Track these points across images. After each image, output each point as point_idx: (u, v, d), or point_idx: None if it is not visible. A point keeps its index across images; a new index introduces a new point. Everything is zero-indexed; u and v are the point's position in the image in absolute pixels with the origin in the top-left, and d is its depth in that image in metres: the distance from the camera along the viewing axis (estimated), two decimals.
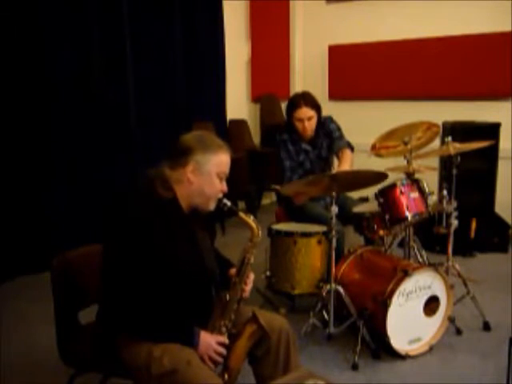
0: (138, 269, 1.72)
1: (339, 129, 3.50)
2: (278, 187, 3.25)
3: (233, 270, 1.99)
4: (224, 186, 1.90)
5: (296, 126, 3.37)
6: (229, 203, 1.91)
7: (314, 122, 3.37)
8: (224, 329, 1.86)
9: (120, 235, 1.77)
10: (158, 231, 1.75)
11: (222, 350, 1.81)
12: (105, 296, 1.81)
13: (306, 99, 3.37)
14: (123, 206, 1.85)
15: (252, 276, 1.99)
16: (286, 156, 3.41)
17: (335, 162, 3.53)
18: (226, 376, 1.81)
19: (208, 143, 1.87)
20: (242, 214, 1.93)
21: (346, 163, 3.28)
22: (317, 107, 3.38)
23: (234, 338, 1.85)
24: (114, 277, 1.75)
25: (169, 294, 1.79)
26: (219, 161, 1.86)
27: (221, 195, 1.90)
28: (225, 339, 1.84)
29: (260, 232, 1.94)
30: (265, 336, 1.84)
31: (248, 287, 1.97)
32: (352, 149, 3.45)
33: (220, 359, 1.81)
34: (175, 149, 1.88)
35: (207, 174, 1.84)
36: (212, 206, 1.90)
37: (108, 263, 1.79)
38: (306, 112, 3.33)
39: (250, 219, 1.94)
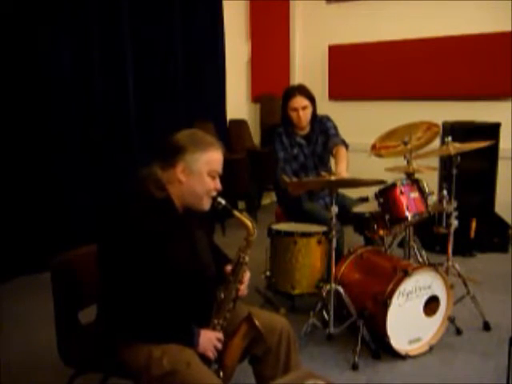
0: (135, 270, 1.71)
1: (335, 127, 3.53)
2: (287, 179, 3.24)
3: (228, 268, 1.97)
4: (217, 184, 1.87)
5: (291, 116, 3.40)
6: (223, 202, 1.88)
7: (308, 112, 3.39)
8: (219, 327, 1.86)
9: (115, 236, 1.75)
10: (154, 232, 1.73)
11: (220, 346, 1.82)
12: (103, 299, 1.81)
13: (301, 89, 3.42)
14: (117, 207, 1.83)
15: (248, 275, 1.96)
16: (280, 147, 3.44)
17: (331, 160, 3.56)
18: (221, 374, 1.82)
19: (198, 141, 1.83)
20: (236, 213, 1.89)
21: (342, 163, 3.27)
22: (311, 98, 3.41)
23: (229, 336, 1.85)
24: (111, 279, 1.74)
25: (167, 295, 1.78)
26: (210, 159, 1.83)
27: (215, 193, 1.87)
28: (222, 336, 1.84)
29: (256, 231, 1.91)
30: (259, 336, 1.84)
31: (243, 286, 1.94)
32: (347, 147, 3.46)
33: (215, 354, 1.81)
34: (165, 148, 1.86)
35: (198, 173, 1.81)
36: (206, 205, 1.87)
37: (105, 265, 1.77)
38: (300, 101, 3.35)
39: (246, 217, 1.90)
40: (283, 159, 3.41)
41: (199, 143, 1.83)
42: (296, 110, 3.36)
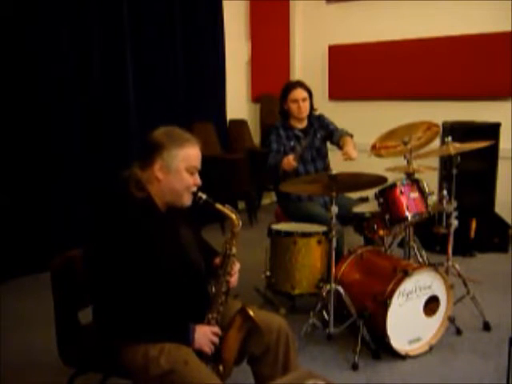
0: (122, 271, 1.71)
1: (333, 123, 3.61)
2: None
3: (217, 260, 1.98)
4: (197, 180, 1.87)
5: (291, 108, 3.47)
6: (204, 196, 1.89)
7: (307, 104, 3.48)
8: (213, 321, 1.87)
9: (101, 239, 1.76)
10: (137, 232, 1.74)
11: (216, 340, 1.82)
12: (96, 301, 1.80)
13: (301, 83, 3.55)
14: (101, 211, 1.85)
15: (237, 266, 1.97)
16: (275, 139, 3.47)
17: (329, 157, 3.64)
18: (221, 368, 1.82)
19: (174, 138, 1.84)
20: (219, 206, 1.90)
21: (349, 145, 3.32)
22: (309, 92, 3.51)
23: (224, 329, 1.85)
24: (102, 281, 1.74)
25: (158, 294, 1.78)
26: (186, 155, 1.83)
27: (195, 189, 1.87)
28: (218, 329, 1.85)
29: (240, 222, 1.92)
30: (254, 327, 1.84)
31: (233, 278, 1.95)
32: (351, 136, 3.50)
33: (212, 348, 1.81)
34: (143, 148, 1.87)
35: (175, 170, 1.82)
36: (187, 201, 1.87)
37: (95, 268, 1.77)
38: (300, 93, 3.45)
39: (228, 210, 1.92)
40: (276, 151, 3.43)
41: (175, 140, 1.84)
42: (297, 101, 3.44)
